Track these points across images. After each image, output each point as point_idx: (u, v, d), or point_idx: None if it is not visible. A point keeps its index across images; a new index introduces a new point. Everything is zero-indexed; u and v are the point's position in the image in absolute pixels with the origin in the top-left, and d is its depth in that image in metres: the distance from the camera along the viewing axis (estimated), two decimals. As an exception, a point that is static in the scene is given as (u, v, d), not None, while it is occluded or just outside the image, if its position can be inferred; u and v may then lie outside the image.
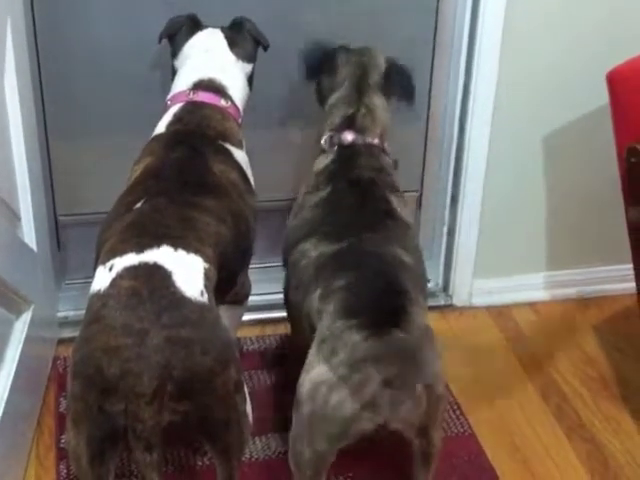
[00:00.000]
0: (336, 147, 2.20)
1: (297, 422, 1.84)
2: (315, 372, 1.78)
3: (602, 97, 2.30)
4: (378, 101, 2.25)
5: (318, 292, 1.92)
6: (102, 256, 1.83)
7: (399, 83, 2.28)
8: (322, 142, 2.24)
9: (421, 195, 2.91)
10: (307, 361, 1.83)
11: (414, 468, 1.96)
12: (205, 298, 1.75)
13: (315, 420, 1.78)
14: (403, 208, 2.16)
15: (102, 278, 1.75)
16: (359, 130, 2.21)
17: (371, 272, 1.88)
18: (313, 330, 1.90)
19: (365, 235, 1.99)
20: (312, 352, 1.82)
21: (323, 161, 2.22)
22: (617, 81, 2.24)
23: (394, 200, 2.14)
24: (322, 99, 2.33)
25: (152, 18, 2.47)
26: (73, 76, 2.51)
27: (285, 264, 2.19)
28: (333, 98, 2.28)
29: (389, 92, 2.27)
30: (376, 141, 2.20)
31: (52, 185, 2.60)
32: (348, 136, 2.20)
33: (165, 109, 2.22)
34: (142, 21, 2.48)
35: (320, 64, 2.31)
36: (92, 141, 2.60)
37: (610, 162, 2.32)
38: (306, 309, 1.96)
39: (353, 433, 1.78)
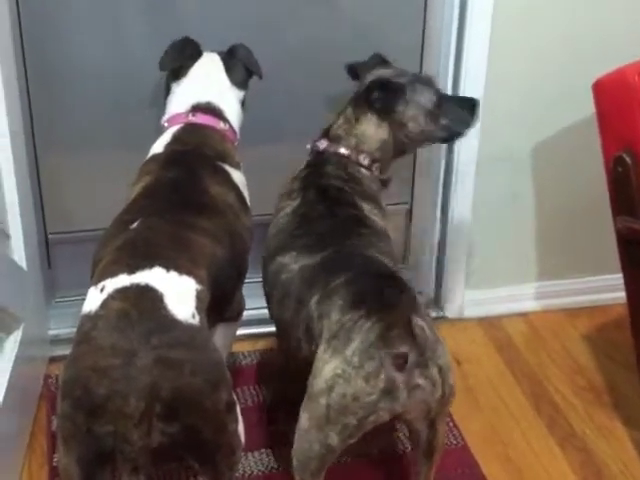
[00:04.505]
0: (310, 153, 2.26)
1: (310, 416, 1.83)
2: (329, 367, 1.79)
3: (589, 108, 2.31)
4: (362, 115, 2.23)
5: (315, 299, 1.93)
6: (94, 277, 1.83)
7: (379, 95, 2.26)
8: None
9: (411, 208, 2.92)
10: (317, 360, 1.83)
11: (418, 463, 2.00)
12: (196, 320, 1.75)
13: (332, 413, 1.78)
14: (379, 217, 2.19)
15: (93, 299, 1.75)
16: (332, 139, 2.25)
17: (365, 268, 1.95)
18: (310, 340, 1.92)
19: (344, 243, 2.04)
20: (321, 350, 1.83)
21: (300, 167, 2.27)
22: (603, 91, 2.25)
23: (366, 207, 2.17)
24: None
25: (139, 36, 2.49)
26: (62, 94, 2.51)
27: (264, 271, 2.19)
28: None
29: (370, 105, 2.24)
30: (346, 151, 2.22)
31: (42, 203, 2.60)
32: (321, 144, 2.25)
33: (161, 130, 2.24)
34: (130, 39, 2.49)
35: (357, 71, 2.35)
36: (81, 159, 2.60)
37: (598, 172, 2.32)
38: (303, 320, 1.97)
39: (369, 424, 1.80)
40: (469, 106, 2.31)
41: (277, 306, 2.11)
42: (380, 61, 2.35)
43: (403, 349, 1.76)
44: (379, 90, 2.21)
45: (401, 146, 2.28)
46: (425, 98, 2.25)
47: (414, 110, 2.23)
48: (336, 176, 2.20)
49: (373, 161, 2.24)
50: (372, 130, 2.23)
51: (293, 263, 2.05)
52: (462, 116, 2.29)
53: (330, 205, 2.15)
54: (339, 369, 1.78)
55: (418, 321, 1.80)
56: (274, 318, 2.17)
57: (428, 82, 2.29)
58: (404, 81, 2.24)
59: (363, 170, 2.23)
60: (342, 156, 2.23)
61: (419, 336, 1.77)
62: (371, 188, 2.23)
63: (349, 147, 2.23)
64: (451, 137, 2.33)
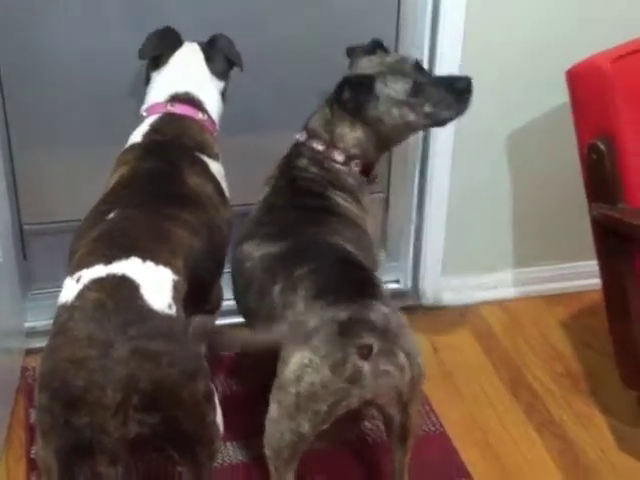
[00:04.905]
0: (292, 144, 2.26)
1: (279, 405, 1.84)
2: (297, 357, 1.80)
3: (564, 95, 2.32)
4: (337, 114, 2.20)
5: (277, 288, 1.95)
6: (71, 267, 1.82)
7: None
8: None
9: (388, 196, 2.92)
10: (284, 350, 1.84)
11: (393, 447, 2.01)
12: (173, 310, 1.75)
13: (302, 400, 1.80)
14: (354, 207, 2.19)
15: (69, 290, 1.75)
16: (309, 132, 2.24)
17: (327, 256, 1.97)
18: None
19: (305, 231, 2.05)
20: None
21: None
22: (576, 79, 2.26)
23: (338, 198, 2.17)
24: None
25: (115, 28, 2.48)
26: (35, 85, 2.49)
27: (231, 259, 2.20)
28: None
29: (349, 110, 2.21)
30: (321, 147, 2.21)
31: (16, 194, 2.58)
32: (300, 136, 2.25)
33: (140, 119, 2.22)
34: (105, 31, 2.47)
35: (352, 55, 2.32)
36: (56, 150, 2.58)
37: (574, 159, 2.33)
38: (265, 309, 1.99)
39: (340, 410, 1.82)
40: (456, 88, 2.21)
41: (242, 295, 2.12)
42: (376, 47, 2.30)
43: (367, 339, 1.77)
44: (348, 90, 2.17)
45: (385, 139, 2.24)
46: (397, 89, 2.18)
47: (385, 104, 2.18)
48: (308, 169, 2.20)
49: (350, 158, 2.21)
50: (347, 129, 2.21)
51: (255, 251, 2.07)
52: (447, 100, 2.20)
53: (297, 195, 2.16)
54: (306, 359, 1.79)
55: (381, 308, 1.81)
56: (239, 306, 2.18)
57: (403, 70, 2.21)
58: (375, 73, 2.19)
59: (338, 166, 2.22)
60: (317, 151, 2.22)
61: (383, 324, 1.79)
62: (348, 182, 2.21)
63: (324, 143, 2.22)
64: (437, 123, 2.26)
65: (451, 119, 2.25)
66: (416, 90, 2.19)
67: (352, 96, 2.17)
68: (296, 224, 2.08)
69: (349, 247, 2.03)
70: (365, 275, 1.92)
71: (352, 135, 2.20)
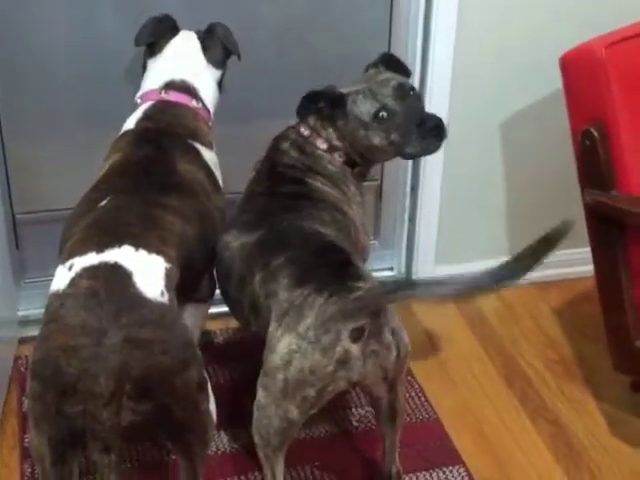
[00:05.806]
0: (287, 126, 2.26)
1: (267, 392, 1.85)
2: (283, 343, 1.81)
3: (556, 82, 2.32)
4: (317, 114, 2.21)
5: (258, 278, 1.96)
6: (63, 255, 1.82)
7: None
8: None
9: (381, 184, 2.92)
10: (270, 337, 1.85)
11: (383, 429, 2.05)
12: (165, 298, 1.75)
13: (290, 387, 1.81)
14: (333, 191, 2.17)
15: (61, 277, 1.74)
16: (302, 119, 2.22)
17: (304, 243, 1.96)
18: (257, 316, 1.97)
19: (281, 218, 2.04)
20: (272, 328, 1.85)
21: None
22: (570, 65, 2.26)
23: (317, 182, 2.16)
24: None
25: (104, 15, 2.47)
26: (26, 73, 2.48)
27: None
28: None
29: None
30: (306, 132, 2.21)
31: (8, 183, 2.58)
32: (294, 121, 2.24)
33: (135, 106, 2.22)
34: (95, 19, 2.47)
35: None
36: (48, 138, 2.57)
37: (566, 146, 2.33)
38: (247, 298, 2.01)
39: (328, 394, 1.83)
40: (425, 126, 2.11)
41: (224, 284, 2.13)
42: (383, 61, 2.25)
43: (362, 322, 1.78)
44: (323, 100, 2.16)
45: (363, 154, 2.21)
46: (362, 110, 2.13)
47: (354, 122, 2.15)
48: (289, 153, 2.20)
49: (332, 148, 2.20)
50: (326, 123, 2.19)
51: (234, 241, 2.07)
52: (412, 135, 2.11)
53: (275, 182, 2.16)
54: (294, 345, 1.80)
55: (371, 289, 1.82)
56: (223, 295, 2.18)
57: (378, 93, 2.13)
58: (349, 91, 2.16)
59: (320, 152, 2.21)
60: (302, 136, 2.21)
61: (374, 305, 1.80)
62: (327, 168, 2.20)
63: (311, 129, 2.21)
64: (402, 156, 2.18)
65: (416, 156, 2.22)
66: (382, 116, 2.12)
67: (325, 106, 2.17)
68: (273, 212, 2.08)
69: (327, 230, 2.03)
70: (344, 257, 1.92)
71: (332, 129, 2.20)
